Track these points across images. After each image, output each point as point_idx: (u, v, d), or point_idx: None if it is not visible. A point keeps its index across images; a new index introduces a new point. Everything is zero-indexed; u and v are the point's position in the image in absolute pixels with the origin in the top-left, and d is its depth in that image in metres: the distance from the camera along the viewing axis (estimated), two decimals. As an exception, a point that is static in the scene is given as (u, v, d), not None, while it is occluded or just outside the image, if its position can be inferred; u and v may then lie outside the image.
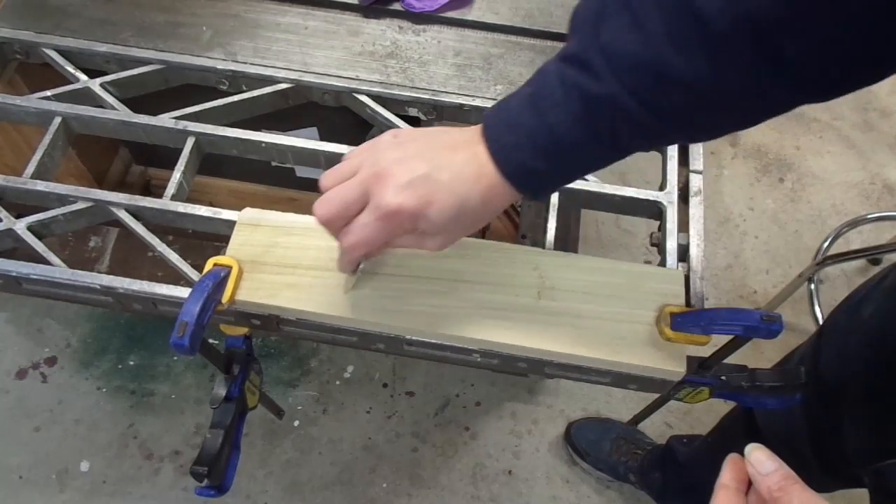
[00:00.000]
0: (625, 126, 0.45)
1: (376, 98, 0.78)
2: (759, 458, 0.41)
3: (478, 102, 0.77)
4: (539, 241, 0.70)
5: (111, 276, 0.66)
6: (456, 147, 0.49)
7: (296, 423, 1.50)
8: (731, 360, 0.63)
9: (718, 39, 0.39)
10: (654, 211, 0.73)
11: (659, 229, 0.72)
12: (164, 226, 0.72)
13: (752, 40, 0.39)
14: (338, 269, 0.57)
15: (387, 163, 0.48)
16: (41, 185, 0.71)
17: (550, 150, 0.46)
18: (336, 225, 0.50)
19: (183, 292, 0.65)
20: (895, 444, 0.64)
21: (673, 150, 0.75)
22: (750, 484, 0.42)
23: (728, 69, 0.41)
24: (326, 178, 0.51)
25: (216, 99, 0.77)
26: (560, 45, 0.82)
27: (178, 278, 0.67)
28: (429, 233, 0.49)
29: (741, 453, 0.43)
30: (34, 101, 0.76)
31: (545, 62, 0.48)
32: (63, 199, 0.71)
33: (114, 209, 0.70)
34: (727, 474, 0.43)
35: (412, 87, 0.79)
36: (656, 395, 0.70)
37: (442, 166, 0.48)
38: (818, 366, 0.80)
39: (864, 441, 0.70)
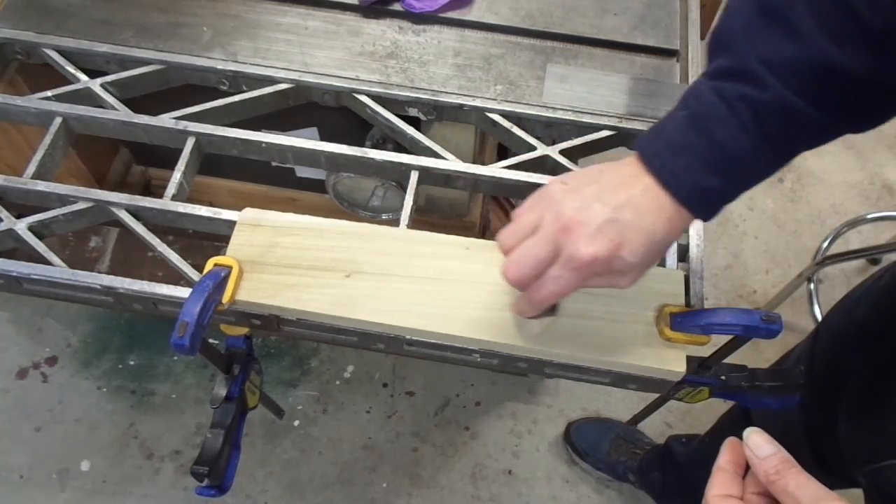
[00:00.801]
0: (795, 128, 0.46)
1: (376, 98, 0.78)
2: (757, 442, 0.41)
3: (478, 102, 0.78)
4: (539, 241, 0.70)
5: (111, 276, 0.66)
6: (628, 184, 0.49)
7: (296, 423, 1.50)
8: (731, 360, 0.63)
9: (876, 30, 0.42)
10: (654, 211, 0.73)
11: (659, 229, 0.72)
12: (165, 226, 0.72)
13: None
14: (517, 311, 0.56)
15: (570, 213, 0.48)
16: (42, 185, 0.71)
17: (723, 166, 0.47)
18: (529, 284, 0.50)
19: (183, 292, 0.65)
20: (890, 444, 0.64)
21: (673, 151, 0.75)
22: (747, 467, 0.42)
23: (889, 55, 0.43)
24: (506, 237, 0.51)
25: (216, 99, 0.77)
26: (560, 45, 0.83)
27: (178, 278, 0.67)
28: (623, 271, 0.49)
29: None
30: (35, 101, 0.76)
31: (689, 86, 0.49)
32: (63, 199, 0.71)
33: (114, 209, 0.70)
34: (724, 457, 0.43)
35: (412, 88, 0.79)
36: (656, 395, 0.70)
37: (623, 206, 0.48)
38: (814, 366, 0.80)
39: (860, 441, 0.70)
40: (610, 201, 0.48)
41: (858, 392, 0.71)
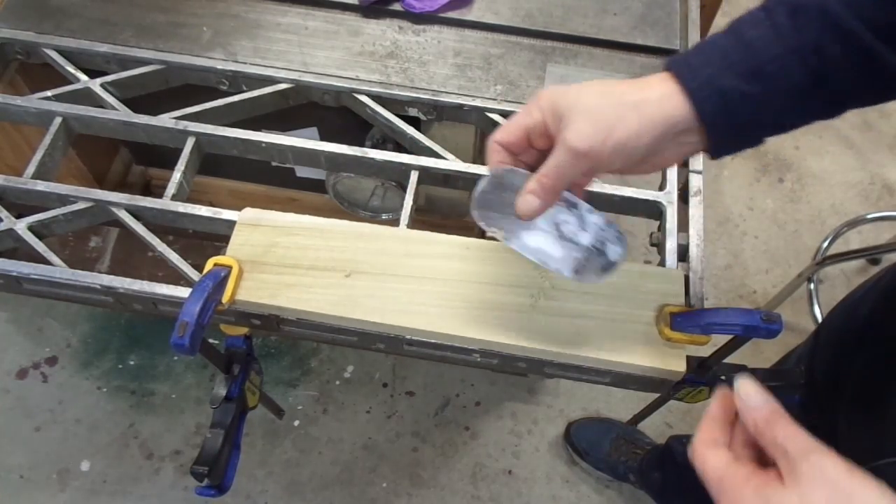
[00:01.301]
0: (835, 42, 0.41)
1: (376, 98, 0.78)
2: (748, 392, 0.40)
3: (478, 102, 0.78)
4: (539, 241, 0.70)
5: (111, 276, 0.66)
6: (642, 81, 0.46)
7: (296, 423, 1.50)
8: (731, 360, 0.63)
9: None
10: (654, 211, 0.73)
11: (659, 229, 0.72)
12: (165, 226, 0.72)
13: None
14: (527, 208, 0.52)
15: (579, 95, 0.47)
16: (42, 185, 0.71)
17: (745, 66, 0.42)
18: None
19: (183, 292, 0.65)
20: (891, 442, 0.64)
21: (673, 151, 0.75)
22: (737, 416, 0.41)
23: None
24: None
25: (216, 99, 0.77)
26: (560, 45, 0.83)
27: (178, 278, 0.67)
28: (566, 118, 0.45)
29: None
30: (35, 101, 0.76)
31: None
32: (63, 199, 0.71)
33: (114, 209, 0.70)
34: (715, 405, 0.42)
35: (412, 87, 0.79)
36: (656, 395, 0.70)
37: (629, 90, 0.45)
38: (815, 365, 0.80)
39: (860, 440, 0.70)
40: (619, 90, 0.46)
41: (859, 391, 0.71)
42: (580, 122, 0.45)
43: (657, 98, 0.44)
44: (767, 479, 0.37)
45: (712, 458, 0.40)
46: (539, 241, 0.52)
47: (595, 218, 0.52)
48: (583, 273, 0.52)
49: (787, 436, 0.38)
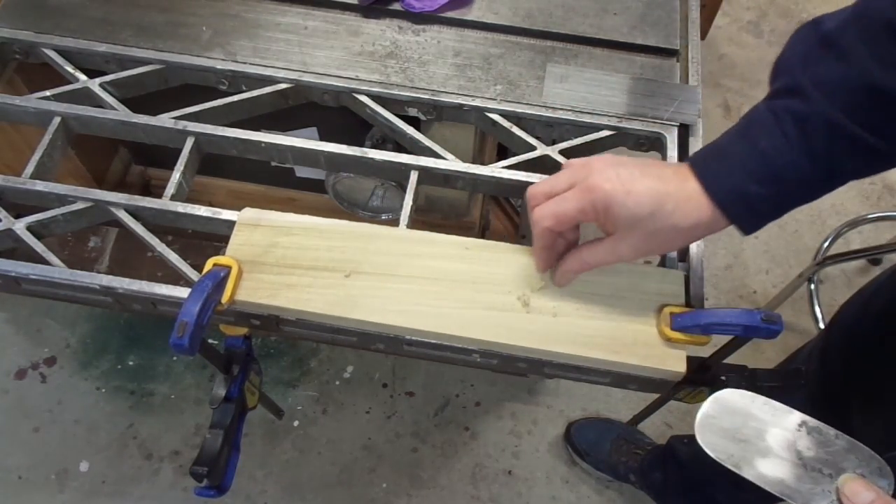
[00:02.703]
0: (840, 144, 0.47)
1: (376, 98, 0.78)
2: (854, 490, 0.42)
3: (478, 102, 0.77)
4: (539, 241, 0.70)
5: (111, 276, 0.66)
6: (665, 173, 0.52)
7: (296, 423, 1.50)
8: (731, 360, 0.63)
9: None
10: (654, 211, 0.73)
11: (659, 229, 0.72)
12: (164, 226, 0.72)
13: None
14: (539, 266, 0.61)
15: (596, 159, 0.54)
16: (40, 185, 0.71)
17: (763, 173, 0.48)
18: (538, 201, 0.55)
19: (182, 292, 0.65)
20: None
21: (673, 150, 0.75)
22: None
23: None
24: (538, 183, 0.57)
25: (216, 99, 0.77)
26: (560, 45, 0.83)
27: (177, 278, 0.67)
28: (620, 229, 0.52)
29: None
30: (33, 101, 0.76)
31: (750, 109, 0.51)
32: (62, 199, 0.71)
33: (113, 209, 0.70)
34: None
35: (412, 87, 0.79)
36: (656, 395, 0.70)
37: (648, 173, 0.51)
38: (827, 362, 0.80)
39: (874, 432, 0.70)
40: (634, 164, 0.52)
41: (874, 384, 0.71)
42: (637, 241, 0.53)
43: (695, 211, 0.51)
44: None
45: None
46: (778, 471, 0.48)
47: (845, 444, 0.48)
48: None
49: None
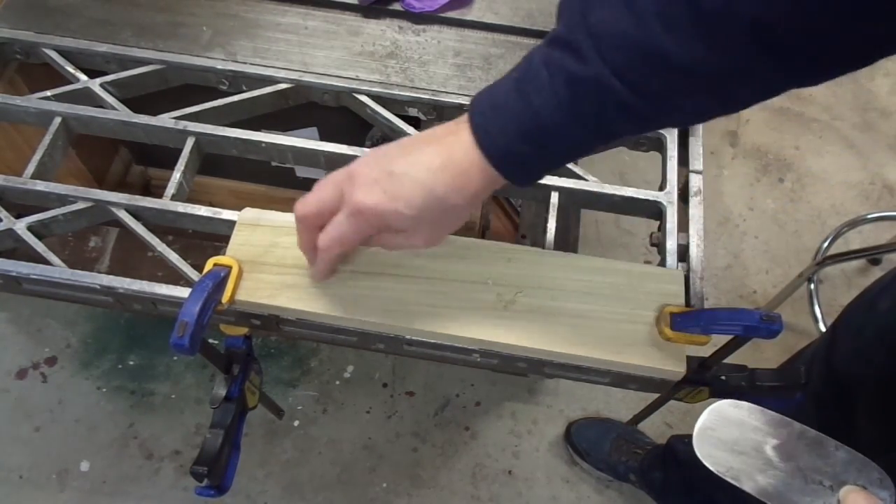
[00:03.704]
0: (610, 109, 0.44)
1: (376, 98, 0.78)
2: (856, 502, 0.42)
3: (478, 102, 0.77)
4: (539, 241, 0.70)
5: (111, 276, 0.66)
6: (431, 140, 0.50)
7: (296, 423, 1.50)
8: (731, 360, 0.63)
9: (711, 20, 0.39)
10: (654, 211, 0.73)
11: (659, 229, 0.72)
12: (164, 226, 0.72)
13: (744, 22, 0.39)
14: (314, 275, 0.61)
15: (357, 164, 0.50)
16: (41, 185, 0.71)
17: (535, 134, 0.46)
18: (311, 223, 0.53)
19: (183, 292, 0.65)
20: None
21: (673, 150, 0.75)
22: None
23: (719, 51, 0.40)
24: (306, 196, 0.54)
25: (216, 99, 0.77)
26: (560, 45, 0.83)
27: (178, 278, 0.67)
28: (406, 228, 0.50)
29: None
30: (34, 101, 0.76)
31: (533, 47, 0.48)
32: (63, 199, 0.71)
33: (114, 209, 0.70)
34: None
35: (412, 87, 0.79)
36: (656, 395, 0.70)
37: (407, 161, 0.49)
38: (832, 361, 0.80)
39: (880, 433, 0.70)
40: (397, 156, 0.49)
41: (881, 385, 0.71)
42: (427, 232, 0.51)
43: (470, 183, 0.49)
44: None
45: None
46: (779, 484, 0.47)
47: (845, 455, 0.47)
48: None
49: None
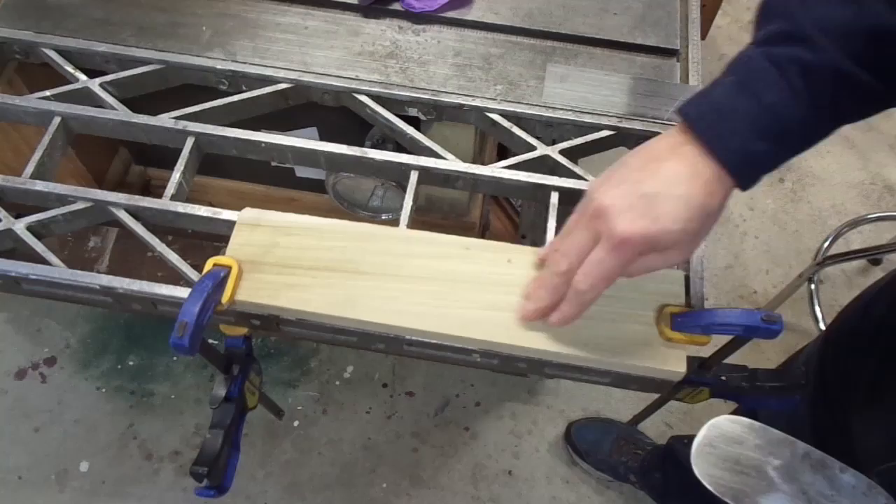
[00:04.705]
0: (846, 93, 0.45)
1: (376, 98, 0.78)
2: None
3: (478, 102, 0.77)
4: (539, 242, 0.70)
5: (111, 277, 0.66)
6: (660, 156, 0.49)
7: (296, 424, 1.50)
8: (731, 360, 0.63)
9: None
10: (655, 211, 0.73)
11: (659, 229, 0.72)
12: (164, 226, 0.72)
13: None
14: (561, 321, 0.54)
15: (600, 199, 0.49)
16: (40, 185, 0.71)
17: (771, 129, 0.46)
18: (574, 272, 0.51)
19: (183, 292, 0.65)
20: None
21: (673, 150, 0.75)
22: None
23: None
24: (550, 244, 0.54)
25: (216, 99, 0.77)
26: (560, 45, 0.83)
27: (177, 278, 0.67)
28: (672, 245, 0.49)
29: None
30: (33, 101, 0.76)
31: (736, 54, 0.48)
32: (62, 199, 0.71)
33: (113, 209, 0.70)
34: None
35: (412, 87, 0.79)
36: (656, 395, 0.70)
37: (655, 180, 0.48)
38: (826, 364, 0.79)
39: (874, 439, 0.69)
40: (637, 179, 0.48)
41: (874, 389, 0.71)
42: (686, 246, 0.50)
43: (710, 185, 0.48)
44: None
45: None
46: None
47: (851, 479, 0.46)
48: None
49: None
